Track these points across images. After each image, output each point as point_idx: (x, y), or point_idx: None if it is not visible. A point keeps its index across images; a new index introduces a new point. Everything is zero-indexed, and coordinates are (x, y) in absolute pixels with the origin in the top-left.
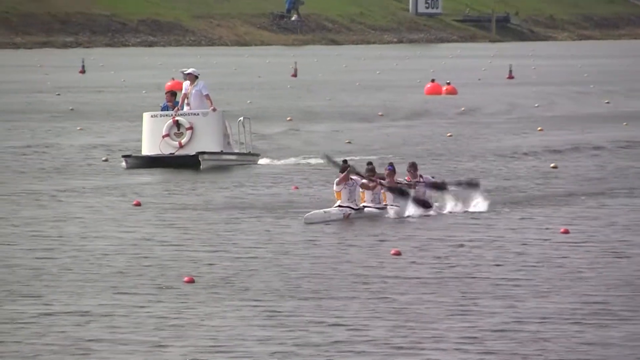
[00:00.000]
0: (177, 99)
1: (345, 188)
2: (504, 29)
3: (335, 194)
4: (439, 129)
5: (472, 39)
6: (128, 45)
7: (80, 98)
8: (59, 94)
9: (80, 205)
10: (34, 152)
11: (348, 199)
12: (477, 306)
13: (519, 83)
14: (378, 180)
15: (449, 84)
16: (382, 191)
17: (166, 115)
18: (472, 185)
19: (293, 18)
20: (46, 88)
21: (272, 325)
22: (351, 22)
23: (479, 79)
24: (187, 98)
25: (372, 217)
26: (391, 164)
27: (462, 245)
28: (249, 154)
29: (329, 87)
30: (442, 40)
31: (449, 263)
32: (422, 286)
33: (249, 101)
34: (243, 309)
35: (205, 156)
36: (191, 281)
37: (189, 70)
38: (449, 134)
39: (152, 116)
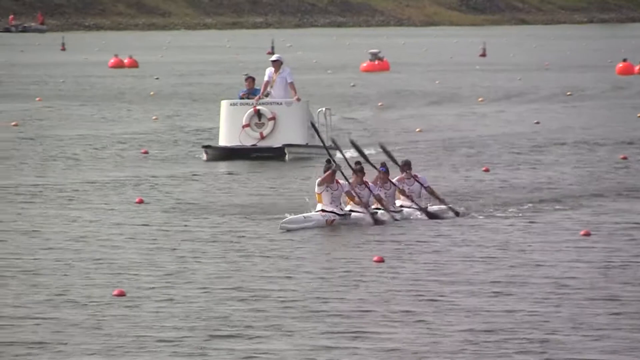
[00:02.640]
0: (257, 86)
1: (328, 190)
2: None
3: (316, 196)
4: (630, 110)
5: None
6: (317, 26)
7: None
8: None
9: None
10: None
11: (331, 203)
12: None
13: None
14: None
15: None
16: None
17: (246, 104)
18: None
19: None
20: (236, 69)
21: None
22: (541, 2)
23: None
24: (270, 86)
25: (359, 223)
26: (384, 165)
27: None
28: (331, 147)
29: (519, 68)
30: (633, 20)
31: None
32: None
33: (437, 81)
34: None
35: (292, 149)
36: None
37: (274, 57)
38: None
39: (231, 104)
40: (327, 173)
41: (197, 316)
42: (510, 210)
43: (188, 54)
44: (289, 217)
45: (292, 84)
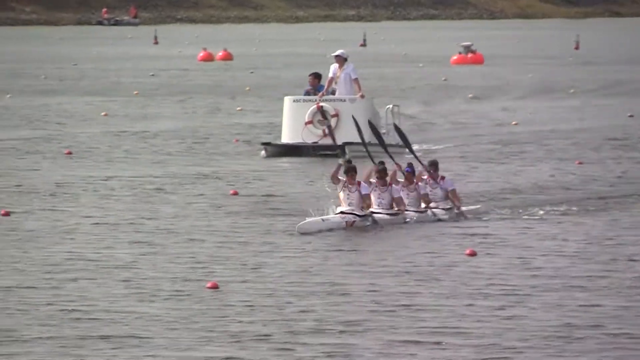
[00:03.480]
0: (321, 83)
1: (345, 191)
2: None
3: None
4: None
5: None
6: (409, 19)
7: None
8: None
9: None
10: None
11: (349, 204)
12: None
13: None
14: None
15: None
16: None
17: (309, 100)
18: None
19: None
20: (325, 60)
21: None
22: None
23: None
24: (335, 82)
25: (384, 225)
26: (410, 165)
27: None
28: (398, 145)
29: (613, 60)
30: None
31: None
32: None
33: (530, 75)
34: None
35: (353, 147)
36: None
37: (338, 52)
38: None
39: (294, 101)
40: (334, 170)
41: (287, 310)
42: (601, 203)
43: (281, 46)
44: (307, 219)
45: (356, 80)
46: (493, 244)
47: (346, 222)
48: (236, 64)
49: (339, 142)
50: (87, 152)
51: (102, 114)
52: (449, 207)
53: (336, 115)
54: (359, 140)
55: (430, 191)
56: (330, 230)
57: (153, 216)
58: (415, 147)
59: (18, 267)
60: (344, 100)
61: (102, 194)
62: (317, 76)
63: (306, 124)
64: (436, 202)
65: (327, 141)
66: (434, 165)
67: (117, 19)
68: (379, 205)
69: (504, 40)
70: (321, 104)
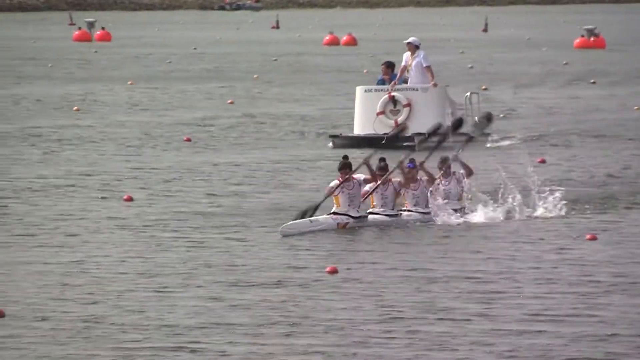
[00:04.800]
0: (395, 72)
1: (344, 191)
2: None
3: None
4: None
5: None
6: (530, 3)
7: (481, 56)
8: (462, 52)
9: None
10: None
11: (349, 205)
12: None
13: None
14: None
15: None
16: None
17: (381, 90)
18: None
19: None
20: (450, 47)
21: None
22: None
23: None
24: (407, 71)
25: (379, 226)
26: (412, 161)
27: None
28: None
29: None
30: None
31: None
32: None
33: None
34: None
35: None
36: None
37: (409, 40)
38: None
39: (365, 91)
40: (341, 172)
41: (401, 299)
42: None
43: (401, 32)
44: (292, 221)
45: (428, 68)
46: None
47: (338, 223)
48: (360, 49)
49: (409, 132)
50: (208, 139)
51: (229, 101)
52: (459, 207)
53: (408, 104)
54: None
55: (444, 189)
56: (319, 231)
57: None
58: (521, 133)
59: (143, 252)
60: (417, 90)
61: (217, 180)
62: (389, 65)
63: (378, 114)
64: (449, 200)
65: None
66: (444, 162)
67: (239, 3)
68: (382, 206)
69: (628, 25)
70: (393, 93)
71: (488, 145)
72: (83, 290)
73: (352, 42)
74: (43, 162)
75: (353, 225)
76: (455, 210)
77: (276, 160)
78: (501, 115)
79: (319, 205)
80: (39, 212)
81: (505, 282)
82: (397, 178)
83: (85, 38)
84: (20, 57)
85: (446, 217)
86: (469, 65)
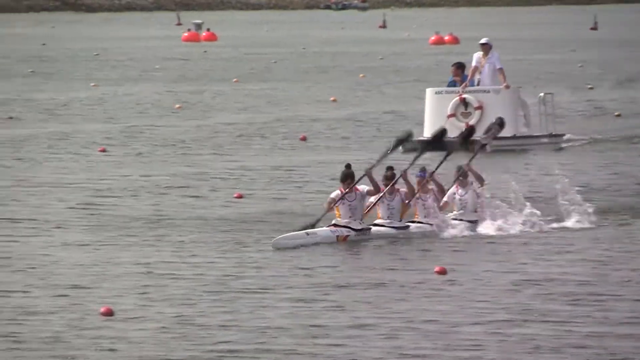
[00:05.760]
0: (465, 73)
1: (345, 203)
2: None
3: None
4: None
5: None
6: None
7: (591, 55)
8: (574, 50)
9: None
10: None
11: (350, 216)
12: None
13: None
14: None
15: None
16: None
17: (452, 92)
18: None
19: None
20: (560, 45)
21: None
22: None
23: None
24: (479, 72)
25: (381, 239)
26: (423, 170)
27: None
28: (550, 135)
29: None
30: None
31: None
32: None
33: None
34: None
35: (493, 143)
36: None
37: (483, 40)
38: None
39: (436, 93)
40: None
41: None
42: None
43: (506, 30)
44: (285, 234)
45: (501, 70)
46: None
47: (337, 236)
48: (463, 48)
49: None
50: (320, 138)
51: (331, 98)
52: (475, 219)
53: (480, 107)
54: (505, 134)
55: (460, 199)
56: (315, 244)
57: None
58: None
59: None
60: (488, 92)
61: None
62: (459, 66)
63: (448, 117)
64: (465, 210)
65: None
66: (464, 173)
67: (345, 2)
68: (388, 217)
69: None
70: (464, 95)
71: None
72: (180, 291)
73: (455, 41)
74: (153, 162)
75: (354, 239)
76: (471, 222)
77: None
78: (615, 114)
79: (319, 219)
80: (140, 211)
81: (597, 285)
82: (404, 188)
83: (194, 39)
84: (131, 57)
85: (453, 230)
86: (579, 65)
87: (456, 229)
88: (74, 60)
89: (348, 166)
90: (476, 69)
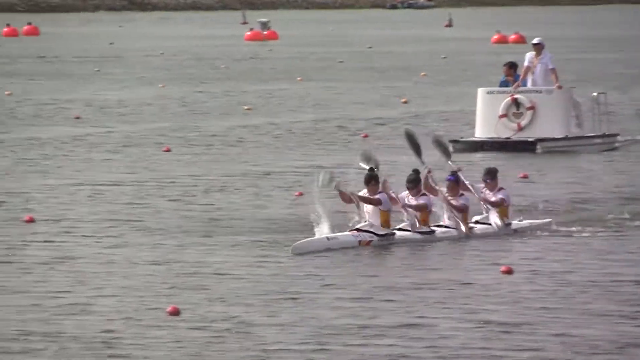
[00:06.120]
0: (518, 72)
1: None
2: None
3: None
4: None
5: None
6: None
7: None
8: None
9: None
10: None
11: (372, 219)
12: None
13: None
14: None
15: None
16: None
17: (504, 92)
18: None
19: None
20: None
21: None
22: None
23: None
24: (531, 72)
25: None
26: (454, 174)
27: None
28: (604, 135)
29: None
30: None
31: None
32: None
33: None
34: None
35: (545, 144)
36: None
37: (536, 40)
38: None
39: (487, 93)
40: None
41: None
42: None
43: (571, 30)
44: (307, 238)
45: (553, 70)
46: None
47: (359, 241)
48: (527, 47)
49: (531, 138)
50: (382, 137)
51: (402, 101)
52: (504, 222)
53: (532, 107)
54: (556, 135)
55: (484, 204)
56: (336, 249)
57: None
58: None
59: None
60: (541, 92)
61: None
62: (512, 66)
63: (500, 117)
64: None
65: (521, 136)
66: (491, 174)
67: (411, 1)
68: (411, 222)
69: None
70: (516, 95)
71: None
72: (242, 291)
73: (521, 40)
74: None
75: (377, 244)
76: (498, 226)
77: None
78: None
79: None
80: (204, 210)
81: None
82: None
83: (257, 37)
84: (197, 56)
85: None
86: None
87: (484, 232)
88: (140, 59)
89: (371, 169)
90: (528, 68)
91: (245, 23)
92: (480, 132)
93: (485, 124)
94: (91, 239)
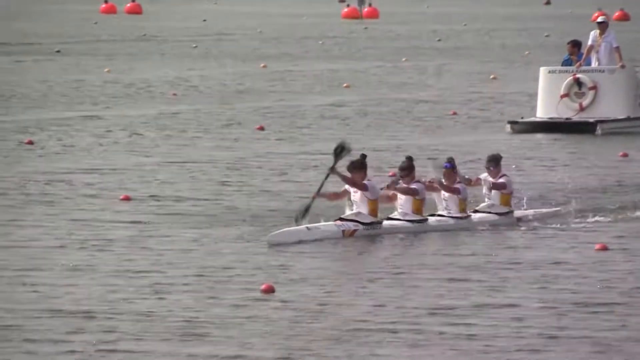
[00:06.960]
0: (581, 51)
1: (357, 192)
2: None
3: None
4: None
5: None
6: None
7: None
8: None
9: None
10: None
11: (358, 208)
12: None
13: None
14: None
15: None
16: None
17: (566, 71)
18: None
19: None
20: None
21: None
22: None
23: None
24: (595, 51)
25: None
26: (450, 161)
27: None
28: None
29: None
30: None
31: None
32: None
33: None
34: None
35: (605, 125)
36: None
37: (600, 18)
38: None
39: (549, 72)
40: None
41: None
42: None
43: None
44: (282, 229)
45: (617, 49)
46: None
47: (343, 231)
48: (633, 25)
49: (592, 119)
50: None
51: (491, 77)
52: (505, 211)
53: (594, 87)
54: (618, 116)
55: (486, 192)
56: (319, 240)
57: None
58: None
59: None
60: (603, 71)
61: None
62: (575, 44)
63: (562, 97)
64: (493, 204)
65: (582, 116)
66: (494, 161)
67: None
68: (405, 210)
69: None
70: (578, 75)
71: None
72: (329, 272)
73: (625, 17)
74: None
75: (363, 233)
76: (499, 215)
77: (456, 144)
78: None
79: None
80: (296, 188)
81: None
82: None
83: (354, 15)
84: (294, 34)
85: (479, 223)
86: None
87: (484, 221)
88: (236, 38)
89: (363, 156)
90: (592, 47)
91: (342, 1)
92: (542, 112)
93: (546, 103)
94: (181, 216)
